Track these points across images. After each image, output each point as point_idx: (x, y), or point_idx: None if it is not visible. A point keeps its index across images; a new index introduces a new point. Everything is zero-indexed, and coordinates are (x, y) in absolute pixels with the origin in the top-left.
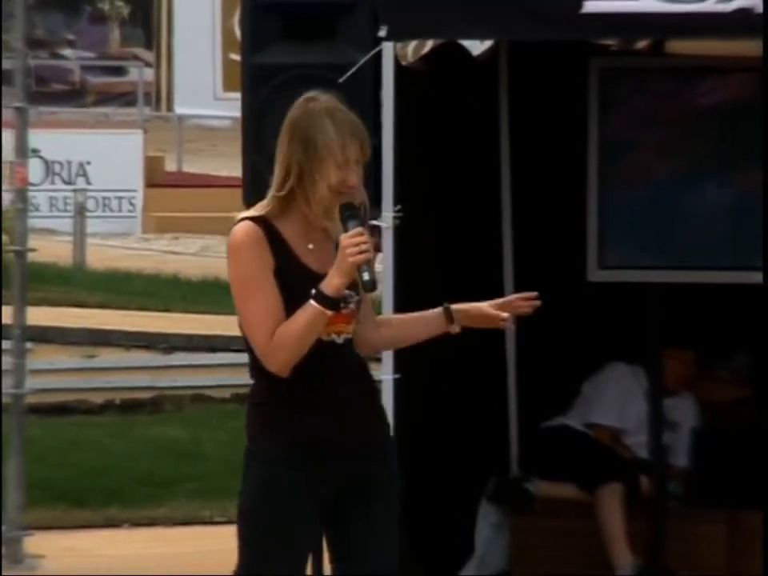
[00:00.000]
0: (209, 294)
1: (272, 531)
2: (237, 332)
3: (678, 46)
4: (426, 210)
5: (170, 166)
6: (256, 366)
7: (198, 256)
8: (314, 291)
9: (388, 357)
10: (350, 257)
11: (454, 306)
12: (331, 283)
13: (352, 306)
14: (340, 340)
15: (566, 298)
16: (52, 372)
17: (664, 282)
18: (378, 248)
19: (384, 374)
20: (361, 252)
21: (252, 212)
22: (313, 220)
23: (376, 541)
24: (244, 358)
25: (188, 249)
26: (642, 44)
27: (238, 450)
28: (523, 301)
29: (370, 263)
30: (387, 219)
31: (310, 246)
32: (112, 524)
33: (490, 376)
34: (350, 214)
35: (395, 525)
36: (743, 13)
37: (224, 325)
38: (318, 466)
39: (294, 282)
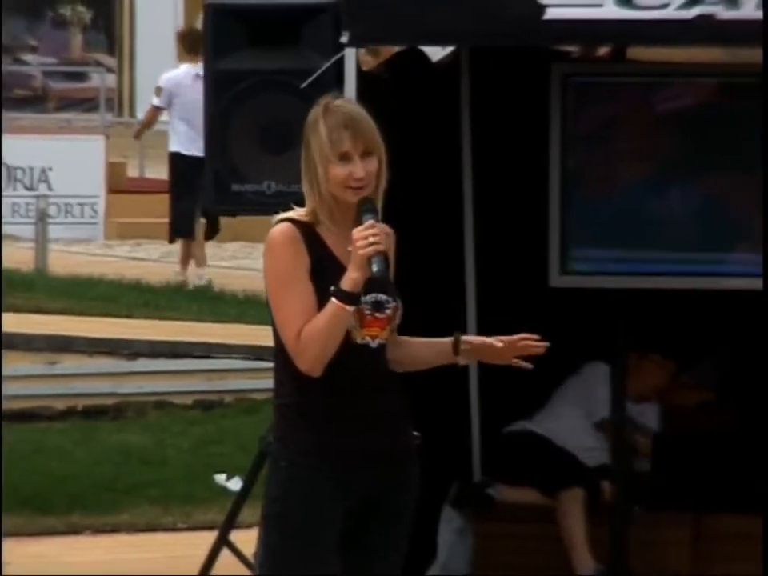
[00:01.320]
0: (171, 300)
1: (296, 535)
2: (200, 338)
3: (640, 52)
4: (389, 216)
5: (132, 171)
6: (287, 369)
7: (160, 262)
8: (332, 288)
9: None
10: (359, 249)
11: (463, 338)
12: (348, 278)
13: (389, 311)
14: (374, 344)
15: (529, 304)
16: (14, 378)
17: (627, 287)
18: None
19: None
20: (370, 244)
21: (292, 214)
22: (326, 221)
23: (384, 556)
24: (206, 364)
25: (150, 255)
26: (603, 50)
27: (201, 456)
28: (530, 341)
29: (381, 255)
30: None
31: (350, 248)
32: (75, 530)
33: (452, 381)
34: (365, 208)
35: (405, 538)
36: (704, 19)
37: (187, 331)
38: (344, 474)
39: (332, 282)
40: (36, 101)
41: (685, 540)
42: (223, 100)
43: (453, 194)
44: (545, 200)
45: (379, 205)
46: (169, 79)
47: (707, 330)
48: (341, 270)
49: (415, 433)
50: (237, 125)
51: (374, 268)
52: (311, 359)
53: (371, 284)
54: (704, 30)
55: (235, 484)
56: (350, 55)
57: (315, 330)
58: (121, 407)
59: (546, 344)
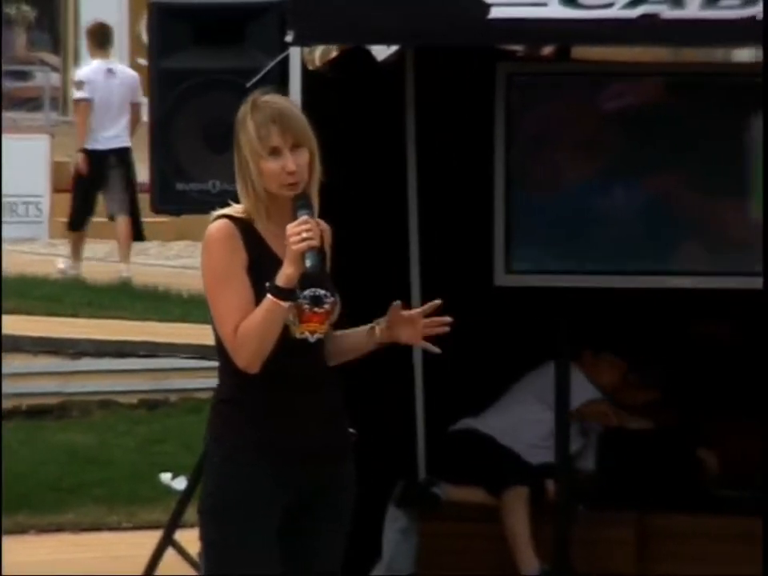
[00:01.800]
0: (116, 299)
1: (234, 532)
2: (145, 337)
3: (585, 51)
4: (334, 214)
5: None
6: (226, 366)
7: (104, 261)
8: (267, 284)
9: None
10: (293, 245)
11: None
12: (283, 273)
13: (327, 306)
14: (313, 339)
15: (474, 303)
16: None
17: (572, 286)
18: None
19: None
20: (303, 240)
21: (229, 210)
22: (262, 217)
23: (325, 548)
24: (152, 363)
25: (95, 254)
26: (548, 50)
27: (146, 455)
28: (431, 324)
29: (315, 250)
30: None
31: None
32: (20, 530)
33: (397, 380)
34: (300, 204)
35: (344, 535)
36: (649, 19)
37: (132, 330)
38: (281, 470)
39: (270, 278)
40: None
41: (629, 539)
42: (168, 99)
43: (397, 194)
44: (489, 199)
45: (315, 198)
46: (83, 75)
47: (653, 328)
48: (278, 265)
49: (351, 429)
50: (181, 124)
51: (308, 263)
52: (248, 355)
53: (306, 279)
54: (648, 29)
55: (180, 483)
56: (294, 54)
57: (252, 326)
58: (66, 406)
59: (449, 320)
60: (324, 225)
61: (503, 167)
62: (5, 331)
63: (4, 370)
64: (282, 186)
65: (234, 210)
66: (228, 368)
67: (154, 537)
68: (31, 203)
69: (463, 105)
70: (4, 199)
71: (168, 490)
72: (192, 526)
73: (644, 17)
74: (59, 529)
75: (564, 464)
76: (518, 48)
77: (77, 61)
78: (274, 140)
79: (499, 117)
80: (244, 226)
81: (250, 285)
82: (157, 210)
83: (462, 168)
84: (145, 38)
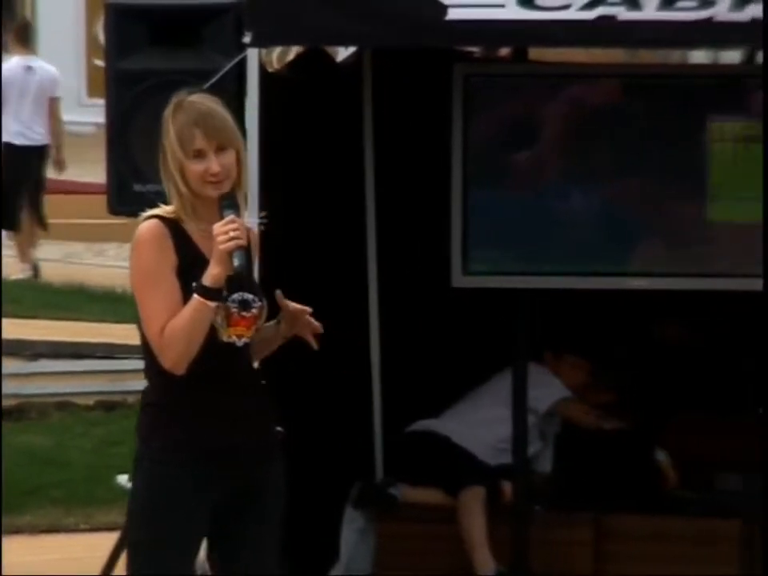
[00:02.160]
0: (73, 301)
1: (161, 533)
2: (102, 339)
3: (542, 52)
4: (294, 215)
5: None
6: (153, 367)
7: (62, 262)
8: (194, 284)
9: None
10: (220, 245)
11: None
12: (210, 273)
13: (255, 310)
14: (240, 343)
15: (432, 304)
16: None
17: (529, 287)
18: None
19: None
20: (230, 239)
21: (159, 211)
22: (185, 218)
23: (258, 550)
24: (109, 365)
25: (52, 255)
26: (505, 51)
27: (103, 457)
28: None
29: (242, 249)
30: (253, 225)
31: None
32: None
33: (355, 381)
34: (226, 203)
35: (278, 532)
36: (606, 20)
37: (89, 332)
38: (209, 471)
39: (199, 278)
40: None
41: (586, 540)
42: (125, 100)
43: (355, 195)
44: (447, 200)
45: (242, 198)
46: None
47: (612, 330)
48: (207, 266)
49: (279, 428)
50: (138, 125)
51: (236, 262)
52: (175, 356)
53: (235, 280)
54: (605, 31)
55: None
56: (252, 56)
57: (178, 327)
58: (23, 408)
59: (319, 327)
60: (249, 224)
61: (460, 168)
62: None
63: None
64: (206, 185)
65: (164, 210)
66: (154, 369)
67: (110, 538)
68: None
69: (421, 106)
70: None
71: (124, 491)
72: None
73: (601, 18)
74: (17, 530)
75: (521, 465)
76: (475, 49)
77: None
78: (198, 143)
79: (456, 118)
80: (173, 226)
81: (179, 286)
82: (114, 211)
83: (419, 169)
84: (101, 38)
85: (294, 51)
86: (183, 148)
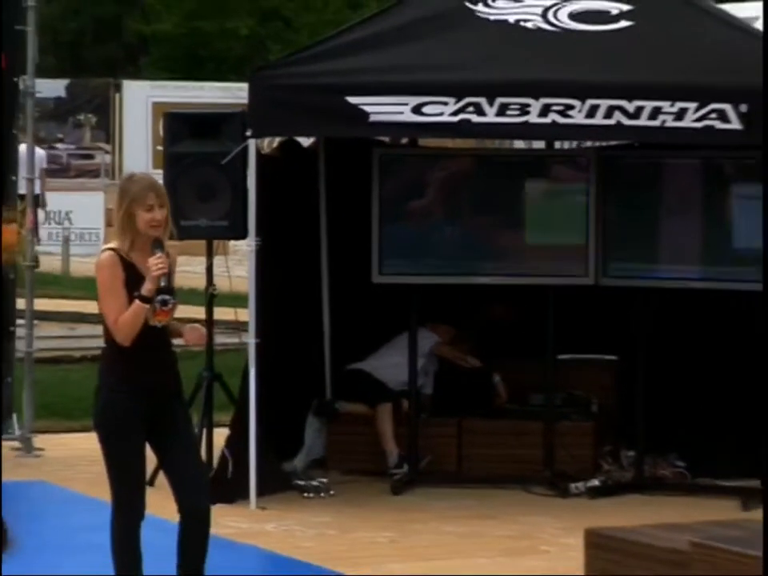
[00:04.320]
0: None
1: (119, 434)
2: None
3: (427, 141)
4: (277, 244)
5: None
6: (110, 339)
7: None
8: (135, 293)
9: (252, 326)
10: (153, 272)
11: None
12: (146, 288)
13: (170, 306)
14: (160, 326)
15: (360, 294)
16: None
17: (419, 283)
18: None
19: (249, 338)
20: (160, 268)
21: (113, 245)
22: (128, 250)
23: (186, 450)
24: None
25: None
26: (405, 140)
27: None
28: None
29: (168, 276)
30: (251, 245)
31: (147, 266)
32: None
33: (317, 338)
34: (156, 245)
35: (193, 432)
36: (465, 122)
37: None
38: (144, 399)
39: (137, 289)
40: (63, 172)
41: (452, 434)
42: (174, 170)
43: (316, 229)
44: (369, 231)
45: (165, 239)
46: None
47: (468, 308)
48: (142, 281)
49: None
50: (183, 185)
51: (162, 283)
52: (124, 336)
53: (160, 290)
54: (464, 129)
55: None
56: (251, 143)
57: (126, 319)
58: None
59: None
60: (171, 255)
61: (378, 211)
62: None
63: None
64: (151, 228)
65: (114, 245)
66: (110, 340)
67: None
68: (93, 233)
69: (354, 174)
70: (77, 230)
71: None
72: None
73: (462, 121)
74: None
75: (414, 389)
76: (386, 138)
77: (121, 148)
78: (150, 200)
79: (375, 181)
80: (121, 256)
81: (126, 293)
82: (171, 236)
83: (353, 213)
84: (161, 133)
85: (277, 140)
86: (139, 203)
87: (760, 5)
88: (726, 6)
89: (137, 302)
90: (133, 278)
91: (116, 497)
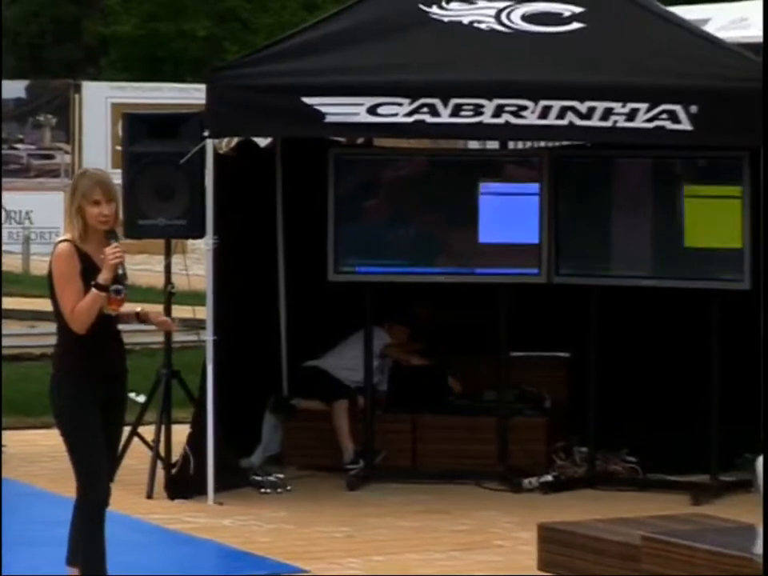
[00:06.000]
0: None
1: (78, 419)
2: None
3: (382, 141)
4: (235, 242)
5: None
6: (64, 328)
7: None
8: (92, 282)
9: (209, 324)
10: (110, 261)
11: (142, 311)
12: (102, 277)
13: (122, 296)
14: (113, 313)
15: (315, 291)
16: None
17: (372, 281)
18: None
19: (207, 336)
20: (116, 258)
21: (68, 236)
22: (82, 242)
23: (117, 433)
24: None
25: None
26: (360, 140)
27: None
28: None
29: (122, 264)
30: (209, 244)
31: (102, 256)
32: None
33: (274, 336)
34: (110, 235)
35: (122, 428)
36: (419, 123)
37: None
38: (98, 385)
39: (93, 279)
40: (23, 172)
41: (407, 429)
42: (133, 170)
43: (272, 228)
44: (325, 230)
45: (119, 230)
46: None
47: (416, 309)
48: (98, 271)
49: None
50: (142, 184)
51: (119, 271)
52: (80, 324)
53: (115, 280)
54: (419, 129)
55: (141, 398)
56: (209, 143)
57: (83, 307)
58: None
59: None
60: (122, 248)
61: (333, 210)
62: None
63: None
64: (99, 223)
65: (69, 237)
66: (65, 329)
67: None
68: (53, 232)
69: (310, 174)
70: (37, 230)
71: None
72: (149, 423)
73: (416, 122)
74: None
75: (369, 387)
76: (341, 139)
77: (80, 148)
78: (97, 196)
79: (330, 181)
80: (76, 246)
81: (82, 283)
82: (128, 236)
83: (309, 213)
84: (120, 133)
85: (234, 140)
86: (87, 198)
87: (709, 7)
88: (675, 9)
89: (93, 290)
90: (88, 268)
91: (82, 478)
